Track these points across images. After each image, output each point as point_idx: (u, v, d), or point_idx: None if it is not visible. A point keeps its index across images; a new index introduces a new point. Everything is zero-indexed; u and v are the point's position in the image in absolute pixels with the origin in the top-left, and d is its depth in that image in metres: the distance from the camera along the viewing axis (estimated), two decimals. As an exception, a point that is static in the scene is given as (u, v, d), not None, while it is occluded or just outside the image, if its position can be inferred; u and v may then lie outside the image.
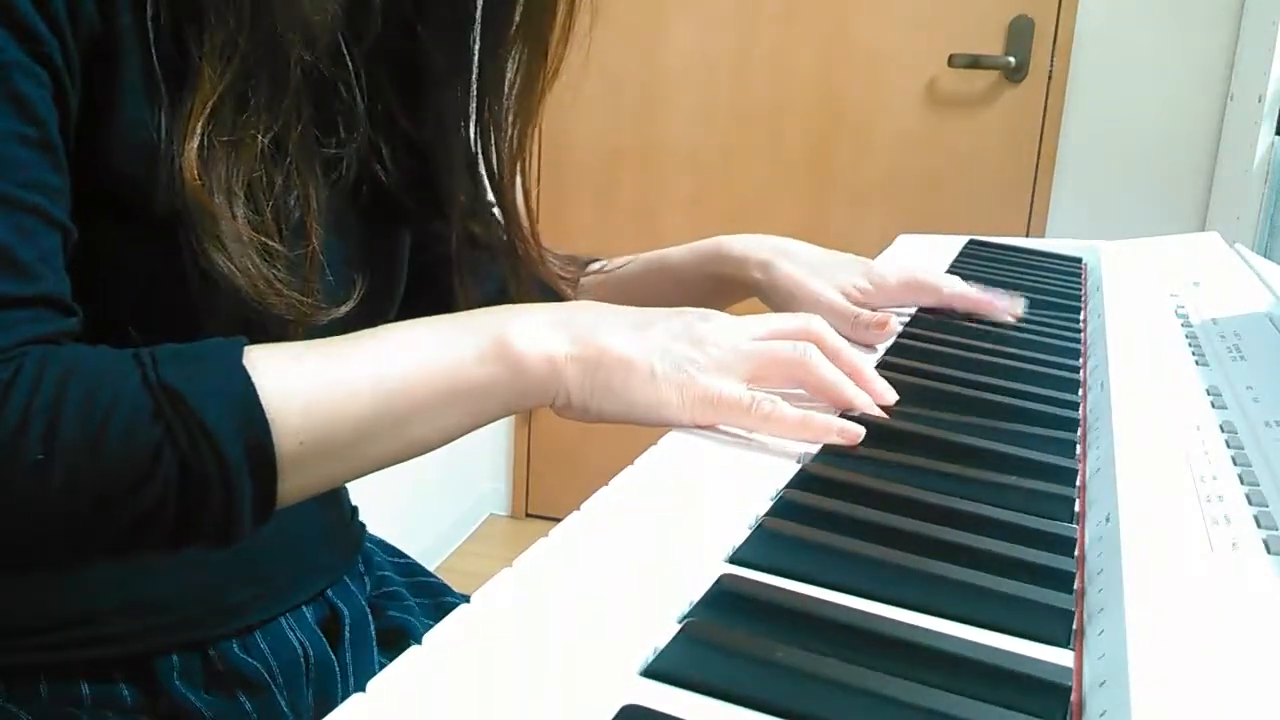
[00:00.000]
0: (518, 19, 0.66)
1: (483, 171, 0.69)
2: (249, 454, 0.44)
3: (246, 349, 0.46)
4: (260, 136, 0.52)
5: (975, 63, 2.01)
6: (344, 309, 0.56)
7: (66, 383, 0.42)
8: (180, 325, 0.48)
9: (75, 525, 0.43)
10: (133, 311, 0.51)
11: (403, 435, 0.49)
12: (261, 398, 0.44)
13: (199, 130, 0.49)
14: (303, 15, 0.53)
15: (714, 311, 0.56)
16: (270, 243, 0.52)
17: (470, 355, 0.49)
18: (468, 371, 0.49)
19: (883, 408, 0.55)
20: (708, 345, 0.53)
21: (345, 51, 0.59)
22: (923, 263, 0.97)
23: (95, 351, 0.45)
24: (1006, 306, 0.76)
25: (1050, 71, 1.99)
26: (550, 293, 0.75)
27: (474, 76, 0.67)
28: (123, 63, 0.49)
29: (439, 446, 0.51)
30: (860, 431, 0.51)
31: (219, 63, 0.50)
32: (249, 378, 0.44)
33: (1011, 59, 1.99)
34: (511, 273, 0.73)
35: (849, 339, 0.63)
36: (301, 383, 0.46)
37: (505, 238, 0.72)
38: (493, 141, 0.68)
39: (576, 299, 0.77)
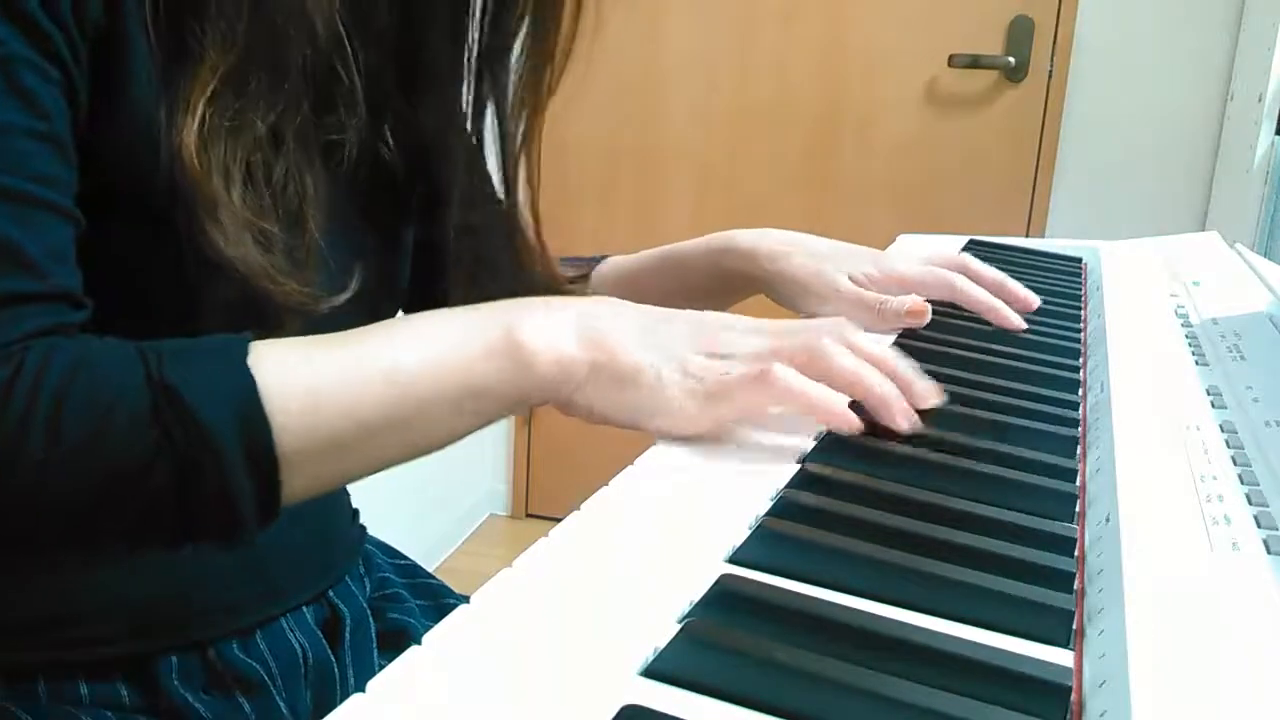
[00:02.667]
0: (521, 10, 0.65)
1: (489, 165, 0.69)
2: (247, 452, 0.43)
3: (253, 345, 0.45)
4: (259, 122, 0.52)
5: (975, 63, 2.01)
6: (341, 298, 0.56)
7: (71, 380, 0.42)
8: (176, 317, 0.48)
9: (78, 522, 0.43)
10: (129, 303, 0.50)
11: (409, 434, 0.48)
12: (263, 395, 0.43)
13: (199, 111, 0.49)
14: (304, 9, 0.53)
15: (733, 316, 0.54)
16: (268, 228, 0.52)
17: (479, 351, 0.49)
18: (475, 368, 0.48)
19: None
20: (720, 355, 0.51)
21: (346, 38, 0.58)
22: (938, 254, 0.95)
23: (102, 345, 0.45)
24: (1011, 319, 0.73)
25: (1050, 71, 1.99)
26: (553, 292, 0.74)
27: (476, 69, 0.67)
28: (129, 51, 0.49)
29: (447, 445, 0.50)
30: (859, 425, 0.49)
31: (219, 50, 0.50)
32: (250, 374, 0.44)
33: (1011, 59, 1.99)
34: (513, 270, 0.72)
35: (875, 330, 0.60)
36: (306, 379, 0.45)
37: (508, 233, 0.71)
38: (498, 135, 0.68)
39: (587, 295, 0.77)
